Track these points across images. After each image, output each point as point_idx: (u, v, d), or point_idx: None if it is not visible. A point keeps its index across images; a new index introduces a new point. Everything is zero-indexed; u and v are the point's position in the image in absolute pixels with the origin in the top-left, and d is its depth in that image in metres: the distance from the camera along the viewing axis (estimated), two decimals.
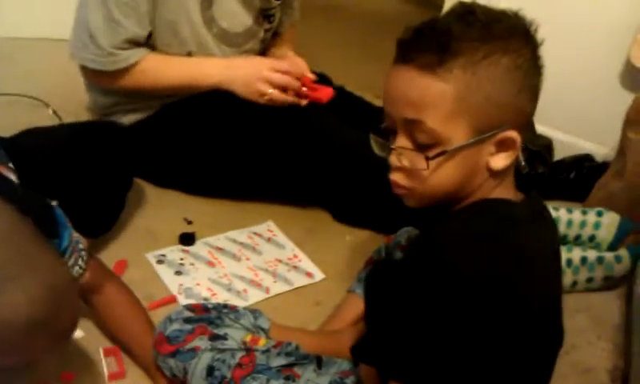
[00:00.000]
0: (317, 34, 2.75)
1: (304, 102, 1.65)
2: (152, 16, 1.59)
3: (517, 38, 0.87)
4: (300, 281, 1.50)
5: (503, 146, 0.90)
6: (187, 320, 1.15)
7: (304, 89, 1.64)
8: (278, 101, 1.61)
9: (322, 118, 1.70)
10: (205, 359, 1.09)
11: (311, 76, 1.69)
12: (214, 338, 1.12)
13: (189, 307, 1.19)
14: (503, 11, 0.90)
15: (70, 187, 1.36)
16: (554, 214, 1.60)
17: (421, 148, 0.89)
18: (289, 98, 1.62)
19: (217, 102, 1.68)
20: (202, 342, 1.11)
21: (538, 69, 0.91)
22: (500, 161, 0.90)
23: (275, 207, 1.73)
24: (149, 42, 1.63)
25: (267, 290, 1.47)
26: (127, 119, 1.71)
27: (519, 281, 0.86)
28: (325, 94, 1.67)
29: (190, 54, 1.66)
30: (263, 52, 1.85)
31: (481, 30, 0.86)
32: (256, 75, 1.61)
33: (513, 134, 0.89)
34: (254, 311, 1.24)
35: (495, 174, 0.92)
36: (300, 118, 1.67)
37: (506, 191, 0.94)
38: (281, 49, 1.87)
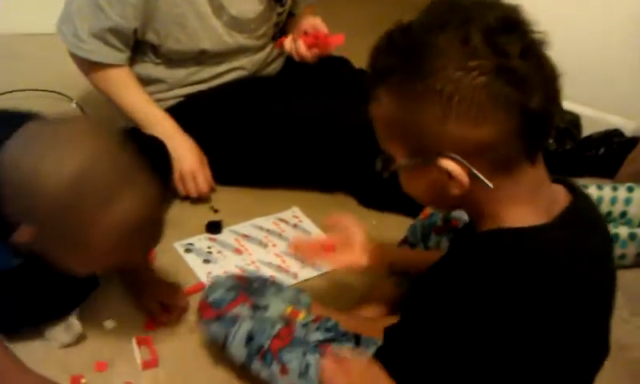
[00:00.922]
0: (336, 20, 2.72)
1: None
2: (144, 12, 1.55)
3: (445, 59, 0.77)
4: (327, 265, 1.50)
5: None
6: (231, 288, 1.17)
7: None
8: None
9: (345, 102, 1.69)
10: (245, 327, 1.11)
11: (324, 30, 1.71)
12: (255, 307, 1.14)
13: (232, 276, 1.21)
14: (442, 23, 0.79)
15: None
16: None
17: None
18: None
19: (240, 90, 1.68)
20: (243, 310, 1.12)
21: (482, 91, 0.77)
22: (453, 189, 0.83)
23: (300, 193, 1.73)
24: (137, 49, 1.63)
25: (295, 276, 1.47)
26: None
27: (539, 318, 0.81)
28: (335, 40, 1.70)
29: (202, 53, 1.66)
30: (280, 35, 1.83)
31: (401, 51, 0.81)
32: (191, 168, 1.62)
33: (448, 165, 0.81)
34: (296, 289, 1.26)
35: (500, 192, 0.83)
36: (324, 103, 1.66)
37: (527, 209, 0.85)
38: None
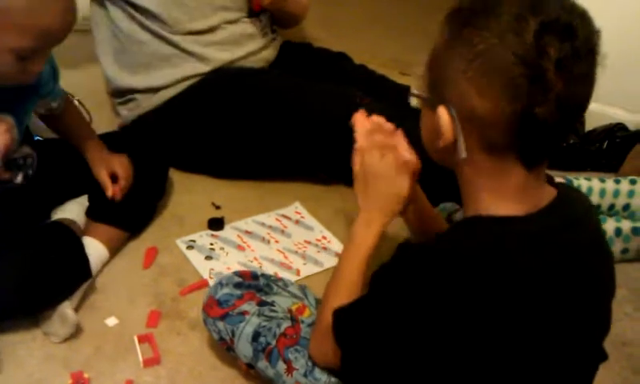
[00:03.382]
0: (341, 11, 2.73)
1: None
2: None
3: (495, 23, 0.79)
4: (330, 262, 1.50)
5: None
6: (237, 285, 1.17)
7: None
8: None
9: (345, 90, 1.68)
10: (252, 324, 1.11)
11: None
12: (262, 304, 1.14)
13: (238, 274, 1.21)
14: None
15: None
16: (585, 184, 1.56)
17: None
18: None
19: (238, 81, 1.67)
20: (250, 307, 1.13)
21: (501, 68, 0.78)
22: (439, 139, 0.87)
23: (302, 189, 1.73)
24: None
25: (298, 272, 1.47)
26: (147, 104, 1.72)
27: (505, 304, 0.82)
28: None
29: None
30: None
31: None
32: None
33: (442, 114, 0.85)
34: (301, 286, 1.26)
35: (483, 178, 0.86)
36: (327, 87, 1.65)
37: (510, 206, 0.85)
38: None
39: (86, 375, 1.18)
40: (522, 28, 0.77)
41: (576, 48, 0.78)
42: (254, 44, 1.78)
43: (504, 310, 0.81)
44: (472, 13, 0.82)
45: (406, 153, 1.10)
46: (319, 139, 1.63)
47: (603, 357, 0.94)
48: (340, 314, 0.97)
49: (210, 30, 1.70)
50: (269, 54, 1.83)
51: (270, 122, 1.66)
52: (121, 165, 1.42)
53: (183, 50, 1.68)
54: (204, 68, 1.70)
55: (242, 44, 1.75)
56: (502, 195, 0.86)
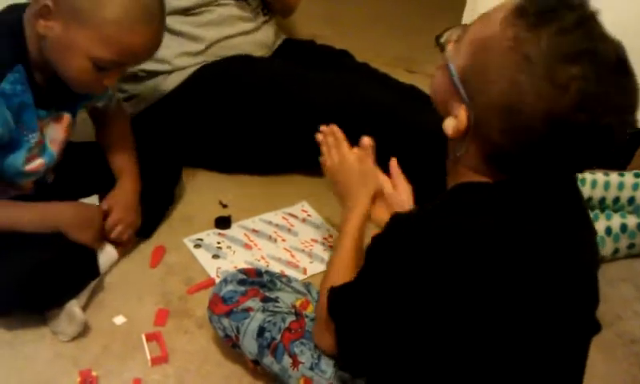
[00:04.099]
0: (345, 9, 2.72)
1: None
2: None
3: (530, 19, 0.77)
4: None
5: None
6: (241, 282, 1.18)
7: None
8: None
9: (347, 78, 1.68)
10: (256, 320, 1.11)
11: None
12: (266, 300, 1.15)
13: (242, 271, 1.21)
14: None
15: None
16: (590, 177, 1.56)
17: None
18: None
19: (240, 67, 1.68)
20: (254, 304, 1.13)
21: (536, 71, 0.76)
22: (448, 124, 0.87)
23: (308, 188, 1.73)
24: None
25: (304, 271, 1.47)
26: (150, 97, 1.71)
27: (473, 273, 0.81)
28: None
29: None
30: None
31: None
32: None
33: (461, 115, 0.84)
34: (305, 283, 1.27)
35: (463, 162, 0.88)
36: (325, 79, 1.66)
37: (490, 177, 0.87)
38: None
39: (94, 373, 1.18)
40: (571, 42, 0.76)
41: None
42: (245, 25, 1.77)
43: (495, 273, 0.81)
44: (530, 5, 0.79)
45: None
46: (320, 125, 1.63)
47: (597, 328, 0.93)
48: (334, 290, 0.98)
49: (197, 8, 1.69)
50: (262, 35, 1.81)
51: (271, 108, 1.65)
52: (124, 218, 1.38)
53: (172, 31, 1.65)
54: (196, 47, 1.69)
55: (232, 24, 1.74)
56: (485, 174, 0.86)
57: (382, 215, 1.21)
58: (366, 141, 1.26)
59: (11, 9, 1.22)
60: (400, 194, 1.27)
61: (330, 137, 1.29)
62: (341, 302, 0.96)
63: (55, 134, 1.31)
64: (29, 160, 1.26)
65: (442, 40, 0.90)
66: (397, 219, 0.90)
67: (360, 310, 0.91)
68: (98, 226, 1.32)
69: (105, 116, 1.47)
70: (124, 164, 1.44)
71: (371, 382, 1.00)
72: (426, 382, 0.87)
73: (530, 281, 0.82)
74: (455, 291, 0.81)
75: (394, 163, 1.29)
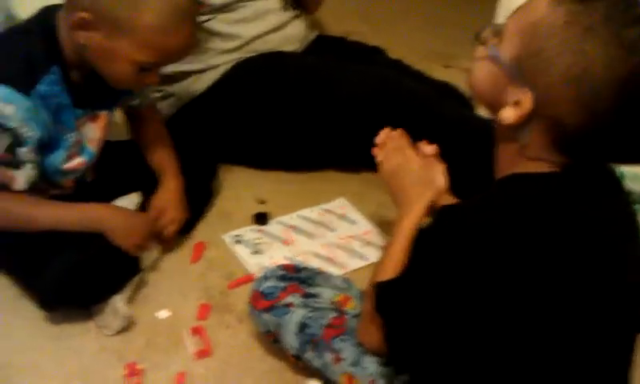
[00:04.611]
0: (379, 4, 2.72)
1: None
2: None
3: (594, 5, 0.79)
4: (375, 256, 1.50)
5: (516, 103, 0.85)
6: (281, 278, 1.18)
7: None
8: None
9: (382, 71, 1.68)
10: (297, 316, 1.12)
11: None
12: (307, 296, 1.15)
13: (282, 267, 1.22)
14: None
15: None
16: (630, 170, 1.54)
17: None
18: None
19: (274, 63, 1.69)
20: (294, 299, 1.14)
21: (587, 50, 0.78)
22: (507, 113, 0.85)
23: (346, 184, 1.73)
24: None
25: (343, 267, 1.48)
26: (185, 95, 1.73)
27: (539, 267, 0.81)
28: None
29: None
30: None
31: None
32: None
33: (525, 101, 0.83)
34: (345, 278, 1.27)
35: (526, 152, 0.87)
36: (361, 71, 1.66)
37: (542, 167, 0.86)
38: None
39: (139, 366, 1.21)
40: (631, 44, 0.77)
41: None
42: (276, 19, 1.77)
43: (546, 265, 0.80)
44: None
45: (421, 147, 1.21)
46: (357, 120, 1.64)
47: None
48: (380, 285, 0.97)
49: (234, 4, 1.70)
50: (293, 30, 1.82)
51: (307, 103, 1.66)
52: (176, 216, 1.41)
53: (208, 32, 1.67)
54: (231, 44, 1.70)
55: (264, 19, 1.75)
56: (539, 164, 0.86)
57: None
58: (430, 148, 1.22)
59: (45, 11, 1.25)
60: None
61: (391, 141, 1.25)
62: (388, 295, 0.96)
63: (93, 132, 1.34)
64: (68, 159, 1.29)
65: (483, 35, 0.90)
66: (445, 212, 0.89)
67: (408, 303, 0.91)
68: (143, 234, 1.32)
69: (140, 114, 1.49)
70: (164, 162, 1.46)
71: (415, 378, 1.00)
72: (474, 376, 0.88)
73: (583, 276, 0.82)
74: (506, 285, 0.81)
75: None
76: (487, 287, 0.82)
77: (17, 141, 1.17)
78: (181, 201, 1.43)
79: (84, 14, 1.14)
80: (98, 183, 1.42)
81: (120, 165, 1.46)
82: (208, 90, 1.71)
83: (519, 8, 0.87)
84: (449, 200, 1.16)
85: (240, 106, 1.70)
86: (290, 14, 1.81)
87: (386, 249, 1.12)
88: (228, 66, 1.71)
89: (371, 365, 1.07)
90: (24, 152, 1.19)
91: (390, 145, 1.23)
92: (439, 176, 1.18)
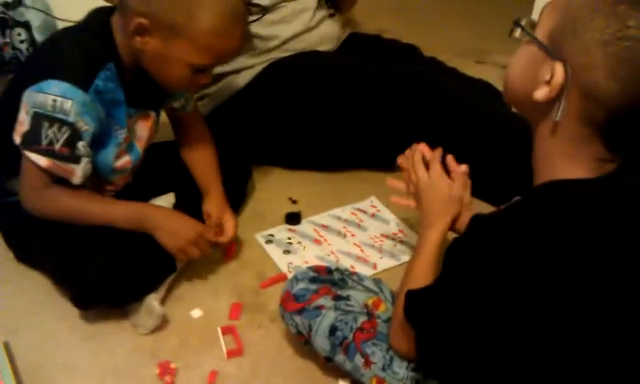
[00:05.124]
0: (413, 1, 2.70)
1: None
2: None
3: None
4: (406, 255, 1.50)
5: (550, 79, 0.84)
6: (312, 280, 1.19)
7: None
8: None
9: (419, 69, 1.68)
10: (328, 318, 1.12)
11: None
12: (338, 298, 1.15)
13: (313, 268, 1.22)
14: None
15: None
16: None
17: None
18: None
19: (310, 62, 1.69)
20: (326, 301, 1.14)
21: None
22: (540, 91, 0.84)
23: (377, 184, 1.72)
24: None
25: (374, 266, 1.47)
26: (220, 96, 1.74)
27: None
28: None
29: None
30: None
31: None
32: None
33: (558, 70, 0.82)
34: (375, 280, 1.27)
35: (564, 142, 0.85)
36: (400, 72, 1.66)
37: (581, 171, 0.85)
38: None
39: (172, 365, 1.22)
40: None
41: None
42: (311, 18, 1.77)
43: (583, 275, 0.78)
44: None
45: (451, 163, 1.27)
46: (394, 120, 1.63)
47: None
48: (412, 294, 0.97)
49: (274, 6, 1.70)
50: (327, 28, 1.82)
51: (342, 102, 1.66)
52: (232, 224, 1.43)
53: (248, 33, 1.67)
54: (267, 45, 1.71)
55: (300, 18, 1.75)
56: (577, 162, 0.85)
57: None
58: (461, 168, 1.26)
59: (97, 12, 1.28)
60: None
61: (417, 154, 1.29)
62: (419, 304, 0.95)
63: (141, 132, 1.36)
64: (117, 157, 1.31)
65: (523, 23, 0.89)
66: (478, 220, 0.88)
67: (439, 311, 0.90)
68: (191, 238, 1.31)
69: (184, 119, 1.50)
70: (211, 167, 1.48)
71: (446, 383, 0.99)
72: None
73: (618, 290, 0.78)
74: (539, 296, 0.79)
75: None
76: (520, 296, 0.80)
77: (76, 135, 1.19)
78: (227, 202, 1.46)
79: (142, 20, 1.17)
80: (133, 184, 1.44)
81: (154, 166, 1.48)
82: (243, 90, 1.73)
83: None
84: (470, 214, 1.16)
85: (275, 105, 1.71)
86: (324, 12, 1.81)
87: (411, 261, 1.13)
88: (263, 66, 1.72)
89: (401, 369, 1.07)
90: (81, 146, 1.21)
91: (416, 159, 1.29)
92: (467, 193, 1.26)
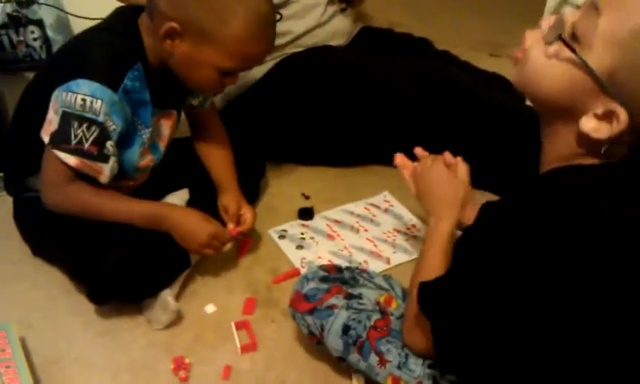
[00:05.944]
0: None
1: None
2: None
3: None
4: (419, 250, 1.49)
5: (604, 115, 0.82)
6: (323, 279, 1.18)
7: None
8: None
9: (429, 63, 1.67)
10: (341, 318, 1.11)
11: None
12: (350, 297, 1.14)
13: (323, 268, 1.22)
14: None
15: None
16: None
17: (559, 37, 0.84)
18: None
19: (322, 57, 1.69)
20: (337, 301, 1.13)
21: None
22: (589, 124, 0.82)
23: (390, 179, 1.72)
24: None
25: (388, 261, 1.47)
26: (234, 92, 1.73)
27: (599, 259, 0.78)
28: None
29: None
30: None
31: None
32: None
33: (622, 116, 0.79)
34: (386, 276, 1.26)
35: (590, 149, 0.84)
36: (411, 67, 1.65)
37: (592, 160, 0.85)
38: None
39: (187, 360, 1.22)
40: None
41: None
42: (322, 13, 1.76)
43: (593, 262, 0.78)
44: None
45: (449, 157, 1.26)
46: (407, 114, 1.62)
47: None
48: (424, 285, 0.96)
49: (287, 1, 1.70)
50: (339, 23, 1.81)
51: (354, 98, 1.66)
52: (251, 214, 1.43)
53: None
54: (282, 41, 1.70)
55: (312, 13, 1.75)
56: (591, 157, 0.84)
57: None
58: (458, 158, 1.26)
59: (122, 11, 1.29)
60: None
61: (426, 159, 1.30)
62: (433, 295, 0.94)
63: (164, 130, 1.37)
64: (142, 155, 1.32)
65: (565, 35, 0.83)
66: (488, 208, 0.87)
67: (453, 301, 0.90)
68: (206, 242, 1.31)
69: (202, 116, 1.51)
70: (227, 164, 1.49)
71: (463, 378, 0.98)
72: (523, 374, 0.86)
73: (633, 276, 0.79)
74: (554, 283, 0.78)
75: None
76: (532, 283, 0.80)
77: (105, 134, 1.20)
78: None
79: (174, 24, 1.17)
80: (148, 180, 1.45)
81: (168, 163, 1.48)
82: (255, 85, 1.73)
83: (609, 6, 0.80)
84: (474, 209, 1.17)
85: (287, 101, 1.71)
86: (335, 7, 1.81)
87: (422, 254, 1.12)
88: (275, 62, 1.72)
89: (417, 367, 1.05)
90: (109, 145, 1.22)
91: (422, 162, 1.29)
92: (463, 181, 1.24)
